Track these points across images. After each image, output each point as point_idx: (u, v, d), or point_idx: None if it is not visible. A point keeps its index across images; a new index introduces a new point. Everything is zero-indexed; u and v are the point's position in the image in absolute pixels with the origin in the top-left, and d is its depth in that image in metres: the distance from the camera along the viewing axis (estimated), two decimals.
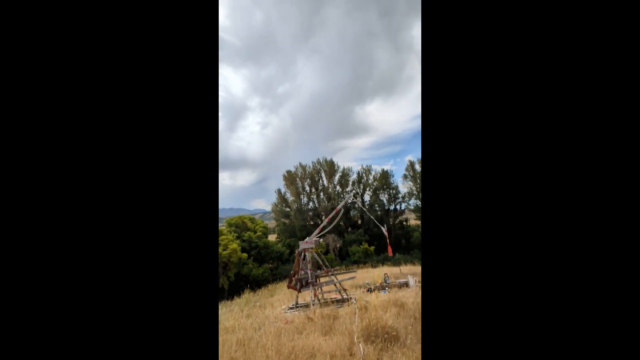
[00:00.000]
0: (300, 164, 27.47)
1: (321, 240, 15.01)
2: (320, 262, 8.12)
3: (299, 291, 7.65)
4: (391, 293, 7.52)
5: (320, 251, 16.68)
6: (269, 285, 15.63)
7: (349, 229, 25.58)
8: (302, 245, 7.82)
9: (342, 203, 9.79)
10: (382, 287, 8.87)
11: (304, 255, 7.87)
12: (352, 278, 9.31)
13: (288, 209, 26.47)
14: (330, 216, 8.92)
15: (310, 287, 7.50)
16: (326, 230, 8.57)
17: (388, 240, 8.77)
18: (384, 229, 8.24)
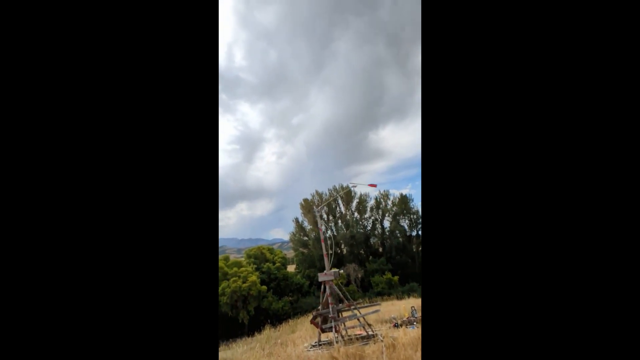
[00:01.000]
0: (316, 192, 27.62)
1: (341, 271, 14.51)
2: (341, 295, 7.81)
3: (322, 330, 7.30)
4: (420, 328, 7.00)
5: (341, 282, 16.05)
6: (290, 320, 15.03)
7: (370, 257, 24.66)
8: (322, 277, 7.62)
9: (318, 215, 9.61)
10: (409, 322, 8.28)
11: (324, 288, 7.63)
12: (376, 312, 8.80)
13: (306, 238, 26.18)
14: (322, 239, 8.71)
15: (332, 322, 7.15)
16: (330, 253, 8.31)
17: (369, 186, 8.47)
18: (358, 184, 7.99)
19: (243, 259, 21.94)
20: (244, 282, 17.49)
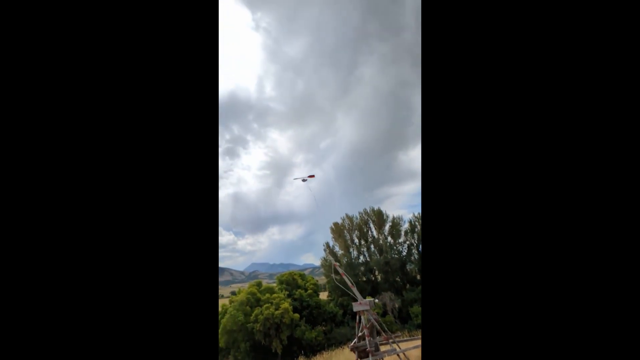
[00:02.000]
0: (346, 215, 27.24)
1: (376, 300, 13.74)
2: (378, 327, 7.38)
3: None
4: None
5: (377, 313, 15.14)
6: (324, 352, 14.34)
7: (407, 285, 23.11)
8: (356, 307, 7.32)
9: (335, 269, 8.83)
10: None
11: (359, 319, 7.30)
12: (417, 347, 8.11)
13: (338, 264, 25.46)
14: (342, 272, 8.24)
15: (371, 358, 6.72)
16: (351, 282, 7.85)
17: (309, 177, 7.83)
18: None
19: (275, 284, 21.87)
20: (276, 309, 17.31)
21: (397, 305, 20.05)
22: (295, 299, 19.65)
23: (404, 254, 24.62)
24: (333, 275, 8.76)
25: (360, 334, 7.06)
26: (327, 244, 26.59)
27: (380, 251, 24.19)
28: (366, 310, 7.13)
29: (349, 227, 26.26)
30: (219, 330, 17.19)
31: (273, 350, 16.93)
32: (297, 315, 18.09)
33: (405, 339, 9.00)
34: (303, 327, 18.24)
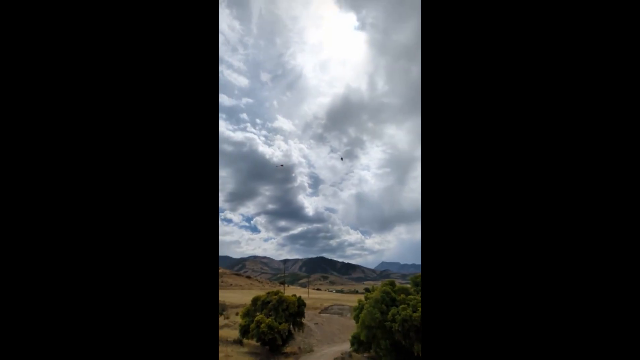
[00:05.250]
0: None
1: None
2: None
3: None
4: None
5: None
6: None
7: None
8: None
9: None
10: None
11: None
12: None
13: None
14: None
15: None
16: None
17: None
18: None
19: (410, 286, 21.01)
20: (414, 312, 16.53)
21: None
22: None
23: None
24: None
25: None
26: None
27: None
28: None
29: None
30: (358, 324, 18.22)
31: (415, 354, 16.21)
32: None
33: None
34: None
